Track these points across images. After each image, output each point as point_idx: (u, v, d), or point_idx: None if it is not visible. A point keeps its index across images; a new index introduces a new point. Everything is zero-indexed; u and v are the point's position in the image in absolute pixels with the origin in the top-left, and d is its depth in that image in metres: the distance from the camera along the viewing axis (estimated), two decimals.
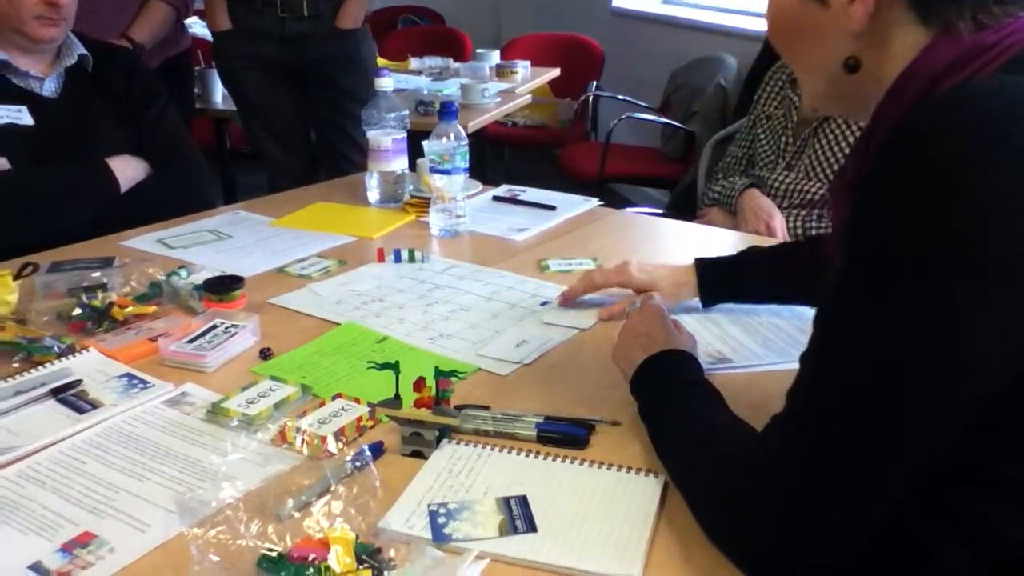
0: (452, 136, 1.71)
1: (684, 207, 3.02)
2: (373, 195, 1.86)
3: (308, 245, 1.62)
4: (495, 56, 4.01)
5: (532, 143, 4.76)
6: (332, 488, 0.86)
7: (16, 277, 1.33)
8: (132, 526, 0.83)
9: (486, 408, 1.01)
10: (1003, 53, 0.70)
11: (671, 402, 0.92)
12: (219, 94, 3.24)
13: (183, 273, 1.38)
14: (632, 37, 4.80)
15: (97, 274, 1.36)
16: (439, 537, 0.80)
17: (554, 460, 0.92)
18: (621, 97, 4.28)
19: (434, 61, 3.83)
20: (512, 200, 1.90)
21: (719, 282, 1.28)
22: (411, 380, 1.00)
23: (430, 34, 5.23)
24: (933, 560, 0.71)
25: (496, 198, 1.92)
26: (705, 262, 1.29)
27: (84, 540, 0.81)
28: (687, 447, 0.85)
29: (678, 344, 1.01)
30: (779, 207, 1.95)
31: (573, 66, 4.41)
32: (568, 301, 1.34)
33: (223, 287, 1.30)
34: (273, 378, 1.09)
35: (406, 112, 1.85)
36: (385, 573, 0.74)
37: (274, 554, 0.75)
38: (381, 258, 1.55)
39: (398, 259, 1.54)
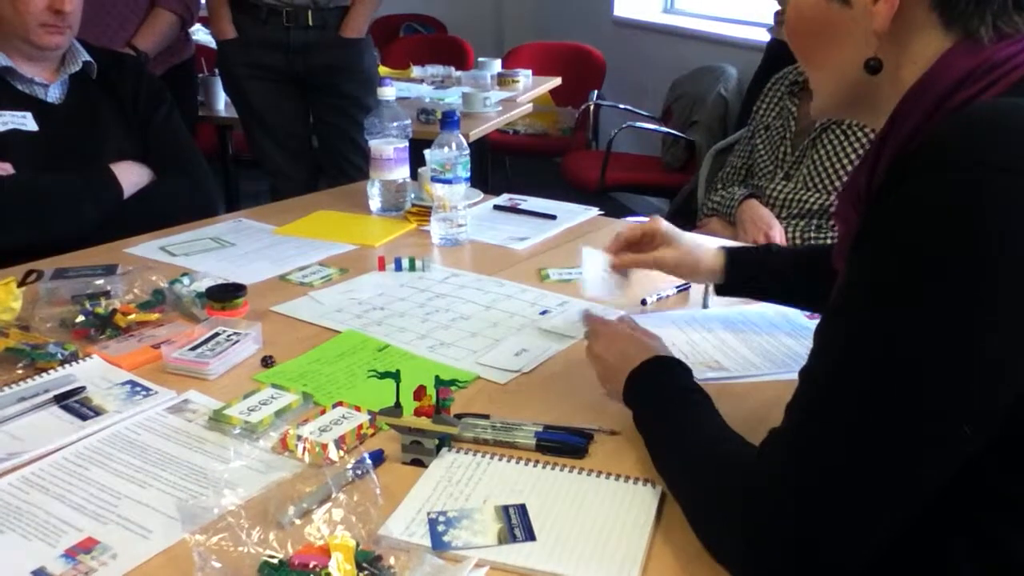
0: (454, 146, 1.73)
1: (685, 216, 3.02)
2: (375, 204, 1.87)
3: (310, 253, 1.63)
4: (497, 65, 4.02)
5: (533, 151, 4.77)
6: (333, 495, 0.86)
7: (20, 284, 1.34)
8: (135, 532, 0.84)
9: (486, 417, 1.02)
10: (1016, 70, 0.70)
11: (662, 415, 0.92)
12: (222, 102, 3.25)
13: (186, 281, 1.39)
14: (633, 46, 4.82)
15: (100, 281, 1.37)
16: (438, 545, 0.81)
17: (553, 469, 0.93)
18: (622, 106, 4.29)
19: (436, 69, 3.84)
20: (513, 209, 1.91)
21: (743, 281, 1.25)
22: (412, 388, 1.01)
23: (432, 42, 5.25)
24: (939, 573, 0.71)
25: (497, 207, 1.93)
26: (735, 258, 1.25)
27: (87, 546, 0.82)
28: (684, 464, 0.85)
29: (652, 351, 1.01)
30: (778, 217, 1.96)
31: (574, 75, 4.43)
32: (619, 269, 1.30)
33: (225, 295, 1.31)
34: (275, 386, 1.10)
35: (408, 121, 1.87)
36: None
37: (275, 561, 0.76)
38: (382, 266, 1.56)
39: (399, 267, 1.55)
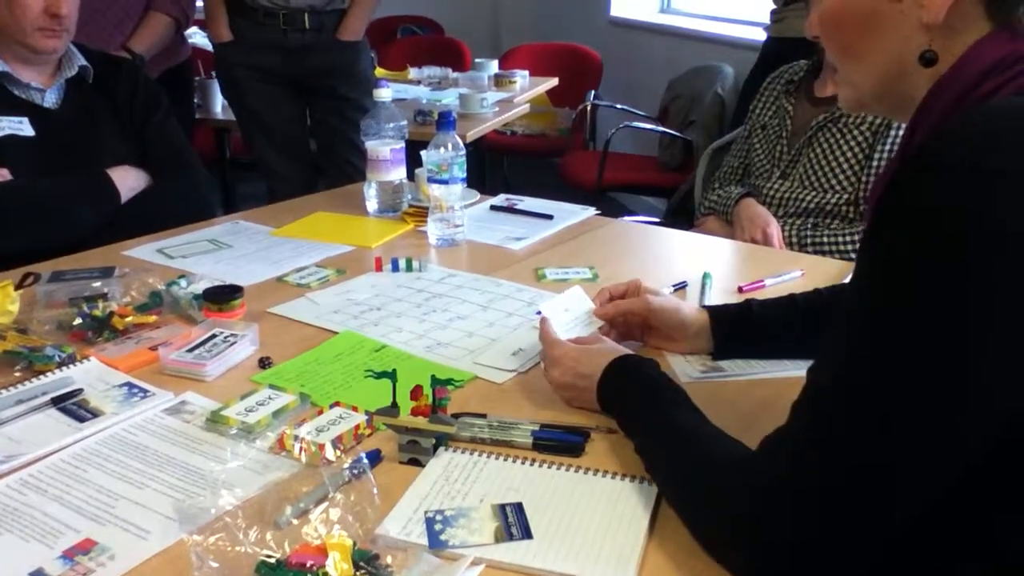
0: (450, 146, 1.73)
1: (682, 215, 3.03)
2: (372, 205, 1.87)
3: (307, 254, 1.63)
4: (494, 66, 4.03)
5: (531, 152, 4.77)
6: (330, 495, 0.87)
7: (17, 287, 1.34)
8: (132, 533, 0.84)
9: (482, 416, 1.02)
10: None
11: (640, 419, 0.93)
12: (219, 104, 3.26)
13: (183, 283, 1.39)
14: (630, 46, 4.82)
15: (98, 284, 1.37)
16: (435, 543, 0.81)
17: (550, 467, 0.93)
18: (619, 106, 4.29)
19: (433, 71, 3.85)
20: (510, 209, 1.91)
21: (733, 340, 1.18)
22: (408, 388, 1.01)
23: (429, 44, 5.25)
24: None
25: (494, 207, 1.93)
26: (720, 317, 1.18)
27: (85, 547, 0.82)
28: (676, 466, 0.85)
29: (604, 357, 1.01)
30: (774, 216, 1.96)
31: (571, 75, 4.43)
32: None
33: (223, 296, 1.31)
34: (272, 387, 1.10)
35: (405, 122, 1.87)
36: None
37: (273, 560, 0.76)
38: (379, 267, 1.56)
39: (396, 268, 1.55)
